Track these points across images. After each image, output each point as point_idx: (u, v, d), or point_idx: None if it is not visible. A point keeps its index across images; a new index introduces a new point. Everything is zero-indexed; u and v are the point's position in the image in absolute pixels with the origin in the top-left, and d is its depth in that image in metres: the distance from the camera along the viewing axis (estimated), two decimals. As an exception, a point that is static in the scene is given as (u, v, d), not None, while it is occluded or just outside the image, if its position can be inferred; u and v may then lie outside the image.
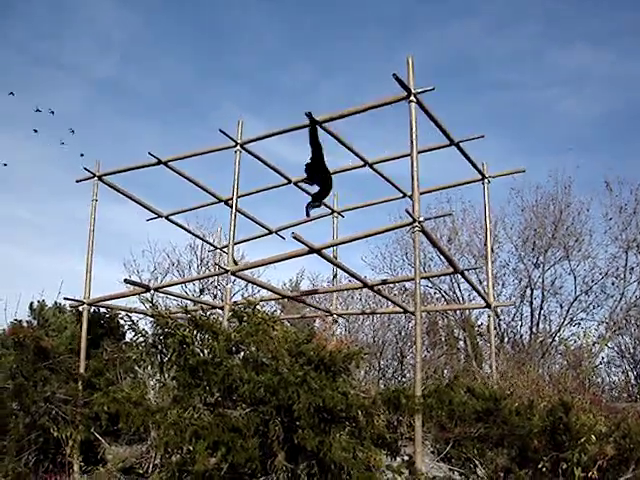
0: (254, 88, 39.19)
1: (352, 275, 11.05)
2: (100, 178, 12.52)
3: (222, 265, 11.24)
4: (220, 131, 11.05)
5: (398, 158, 12.01)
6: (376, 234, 9.87)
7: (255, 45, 38.85)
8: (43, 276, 32.11)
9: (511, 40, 36.00)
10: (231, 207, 11.34)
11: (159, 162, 12.22)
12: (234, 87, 39.87)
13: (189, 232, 16.68)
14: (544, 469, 7.49)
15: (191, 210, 15.31)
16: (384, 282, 13.02)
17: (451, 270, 11.18)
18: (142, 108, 40.32)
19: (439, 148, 11.28)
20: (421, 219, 8.55)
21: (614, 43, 34.93)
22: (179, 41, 39.14)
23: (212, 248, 18.27)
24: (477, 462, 8.39)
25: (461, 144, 10.94)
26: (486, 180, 12.32)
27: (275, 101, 36.31)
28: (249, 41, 38.56)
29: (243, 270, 11.40)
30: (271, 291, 14.01)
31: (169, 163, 12.42)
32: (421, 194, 8.96)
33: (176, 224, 14.96)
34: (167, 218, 14.56)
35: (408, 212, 8.58)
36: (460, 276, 11.59)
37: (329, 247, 10.16)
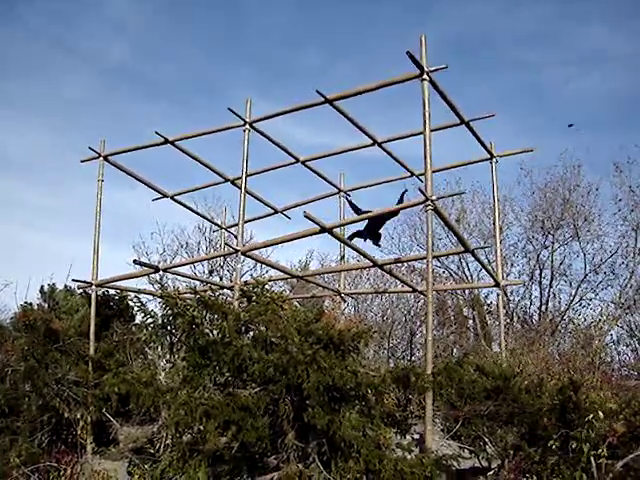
0: (268, 71, 38.87)
1: (363, 254, 10.98)
2: (105, 158, 12.29)
3: (232, 245, 11.18)
4: (229, 109, 10.91)
5: (408, 137, 11.89)
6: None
7: (268, 27, 38.42)
8: (54, 259, 32.29)
9: (526, 20, 35.38)
10: (239, 187, 11.20)
11: (166, 141, 12.01)
12: (248, 70, 39.53)
13: (194, 212, 16.45)
14: (553, 447, 7.51)
15: (196, 190, 15.08)
16: (397, 261, 12.90)
17: (462, 249, 11.12)
18: (156, 92, 40.11)
19: (449, 127, 11.13)
20: (434, 198, 8.47)
21: (629, 24, 34.26)
22: (192, 25, 38.88)
23: (218, 229, 18.11)
24: (487, 440, 8.42)
25: (472, 124, 10.83)
26: (494, 159, 12.25)
27: (288, 84, 35.93)
28: (262, 24, 38.19)
29: (253, 250, 11.32)
30: (280, 271, 13.95)
31: (176, 143, 12.23)
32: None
33: (182, 204, 14.76)
34: (172, 198, 14.37)
35: (421, 191, 8.49)
36: (469, 255, 11.52)
37: (340, 226, 10.07)
